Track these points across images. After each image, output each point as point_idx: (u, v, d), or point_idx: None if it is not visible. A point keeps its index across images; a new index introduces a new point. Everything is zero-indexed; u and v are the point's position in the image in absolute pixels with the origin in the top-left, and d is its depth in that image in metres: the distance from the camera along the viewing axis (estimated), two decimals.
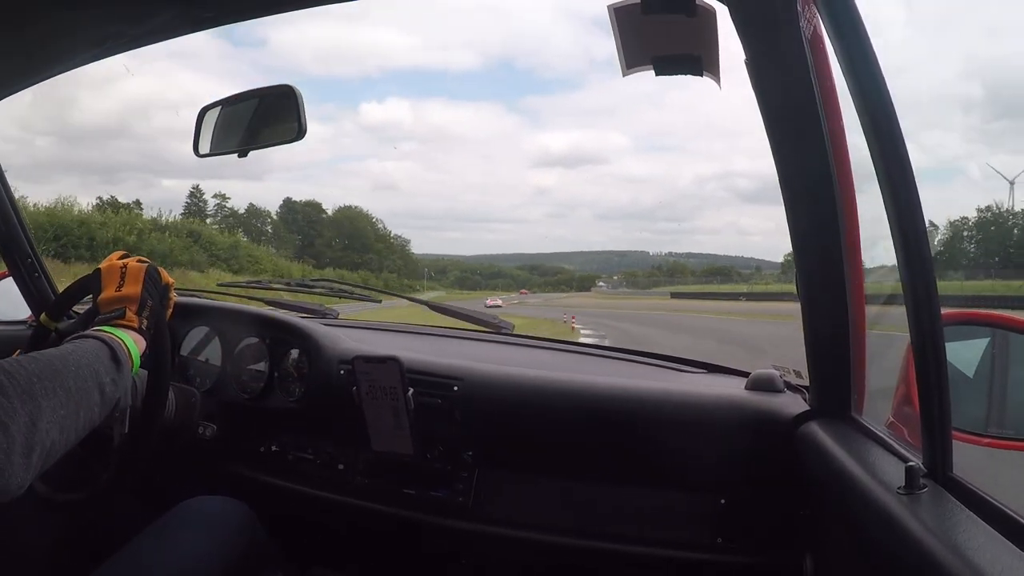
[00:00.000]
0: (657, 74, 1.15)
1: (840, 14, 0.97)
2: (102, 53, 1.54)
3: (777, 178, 1.25)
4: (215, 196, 75.24)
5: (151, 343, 1.47)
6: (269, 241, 77.60)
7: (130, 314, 1.41)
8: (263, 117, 1.72)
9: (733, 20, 1.06)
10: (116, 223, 30.84)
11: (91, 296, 1.53)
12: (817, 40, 1.10)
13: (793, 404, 1.65)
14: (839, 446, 1.33)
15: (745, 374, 1.87)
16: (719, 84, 1.16)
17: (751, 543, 1.66)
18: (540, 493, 1.81)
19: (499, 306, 48.44)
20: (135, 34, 1.46)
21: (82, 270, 2.27)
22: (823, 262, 1.32)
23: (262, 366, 2.11)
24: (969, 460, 1.15)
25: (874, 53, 0.96)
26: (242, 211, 77.97)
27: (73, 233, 27.13)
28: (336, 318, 2.39)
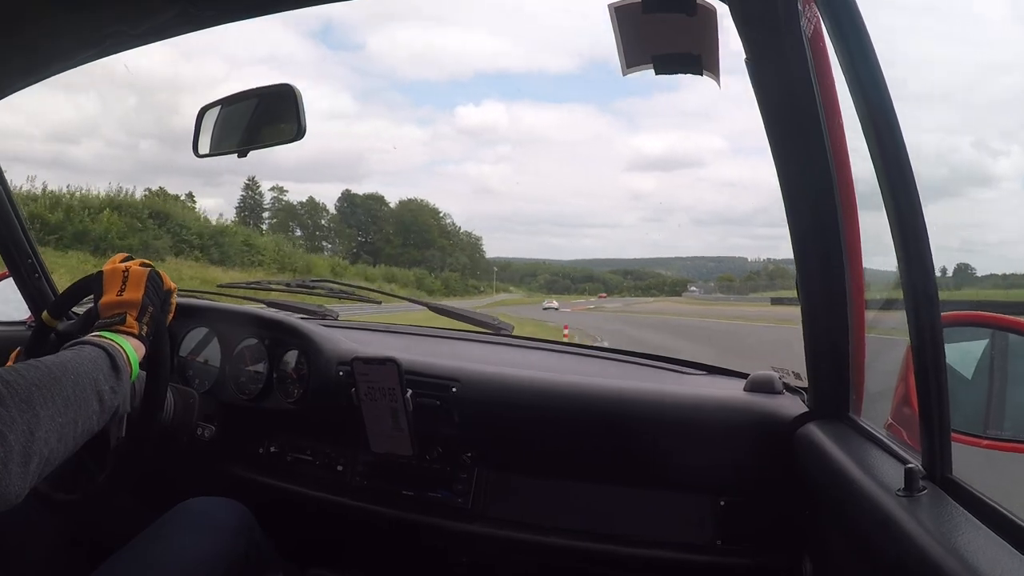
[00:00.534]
0: (657, 73, 1.15)
1: (840, 13, 0.97)
2: (102, 52, 1.54)
3: (777, 179, 1.25)
4: (272, 189, 75.10)
5: (150, 348, 1.46)
6: (325, 237, 76.81)
7: (131, 320, 1.40)
8: (263, 117, 1.72)
9: (733, 19, 1.06)
10: (42, 201, 27.61)
11: (92, 296, 1.53)
12: (817, 39, 1.10)
13: (792, 406, 1.65)
14: (838, 448, 1.32)
15: (744, 375, 1.87)
16: (719, 83, 1.16)
17: (750, 545, 1.65)
18: (539, 494, 1.81)
19: (555, 308, 50.47)
20: (135, 33, 1.47)
21: None
22: (823, 263, 1.32)
23: (261, 367, 2.11)
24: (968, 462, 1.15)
25: (874, 52, 0.96)
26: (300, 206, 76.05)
27: None
28: (335, 319, 2.39)
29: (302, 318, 2.25)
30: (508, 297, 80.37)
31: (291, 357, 2.08)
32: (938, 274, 1.03)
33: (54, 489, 1.57)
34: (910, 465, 1.06)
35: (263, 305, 2.38)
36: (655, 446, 1.71)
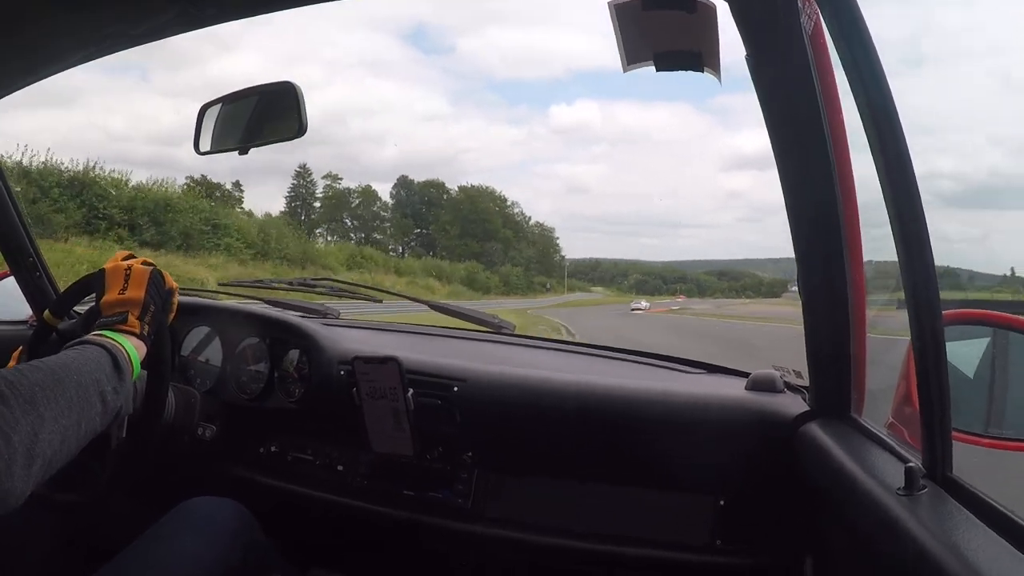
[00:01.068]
0: (658, 70, 1.15)
1: (841, 9, 0.97)
2: (101, 51, 1.54)
3: (777, 176, 1.25)
4: (325, 177, 68.59)
5: (152, 348, 1.46)
6: (377, 228, 69.99)
7: (132, 319, 1.39)
8: (263, 114, 1.72)
9: (733, 15, 1.06)
10: None
11: (94, 295, 1.52)
12: (818, 35, 1.10)
13: (793, 404, 1.65)
14: (839, 446, 1.32)
15: (745, 374, 1.87)
16: (719, 80, 1.16)
17: (751, 544, 1.65)
18: (540, 494, 1.80)
19: (642, 309, 49.51)
20: (135, 33, 1.46)
21: None
22: (823, 261, 1.32)
23: (262, 366, 2.11)
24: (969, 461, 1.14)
25: (875, 48, 0.96)
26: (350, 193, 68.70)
27: None
28: (337, 318, 2.39)
29: (303, 317, 2.25)
30: (582, 297, 74.04)
31: (292, 356, 2.08)
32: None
33: (54, 490, 1.57)
34: (911, 464, 1.06)
35: (264, 304, 2.38)
36: (655, 445, 1.70)
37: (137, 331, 1.39)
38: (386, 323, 2.65)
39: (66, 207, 22.93)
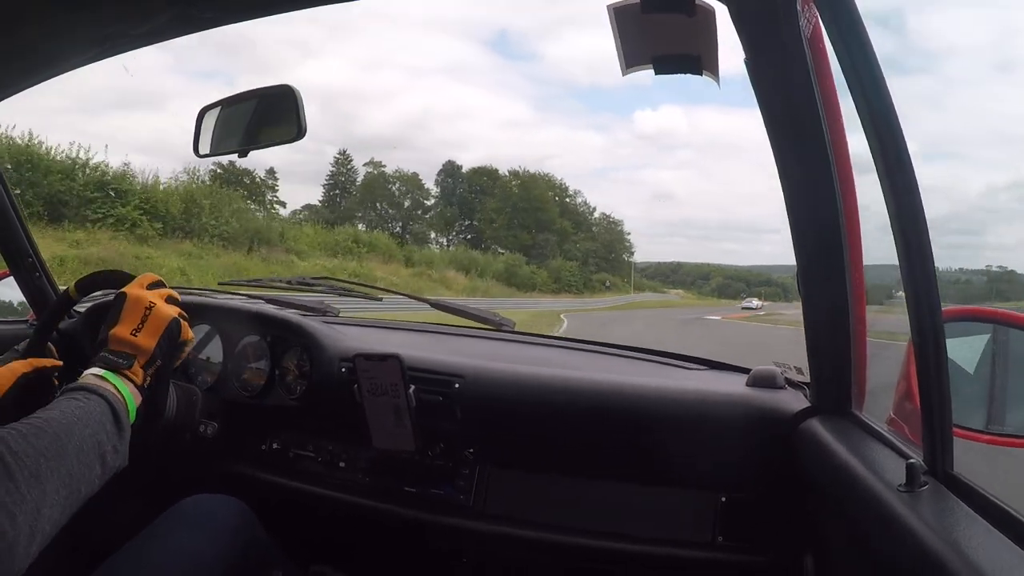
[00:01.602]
0: (656, 73, 1.15)
1: (840, 13, 0.98)
2: (102, 54, 1.54)
3: (778, 177, 1.25)
4: (367, 164, 64.43)
5: (148, 394, 1.39)
6: (419, 218, 64.91)
7: (137, 367, 1.31)
8: (263, 117, 1.72)
9: (732, 19, 1.06)
10: None
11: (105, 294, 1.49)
12: (817, 39, 1.10)
13: (794, 401, 1.66)
14: (840, 443, 1.33)
15: (746, 371, 1.87)
16: (718, 83, 1.17)
17: (752, 541, 1.66)
18: (541, 490, 1.81)
19: (753, 308, 48.23)
20: (135, 34, 1.46)
21: None
22: (823, 260, 1.32)
23: (263, 364, 2.11)
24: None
25: (874, 51, 0.96)
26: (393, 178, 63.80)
27: None
28: (337, 316, 2.39)
29: (304, 315, 2.25)
30: (651, 299, 65.08)
31: (293, 354, 2.08)
32: None
33: None
34: (912, 460, 1.07)
35: (264, 302, 2.38)
36: (657, 442, 1.71)
37: (139, 381, 1.31)
38: (387, 321, 2.65)
39: None
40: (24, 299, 2.38)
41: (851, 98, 1.01)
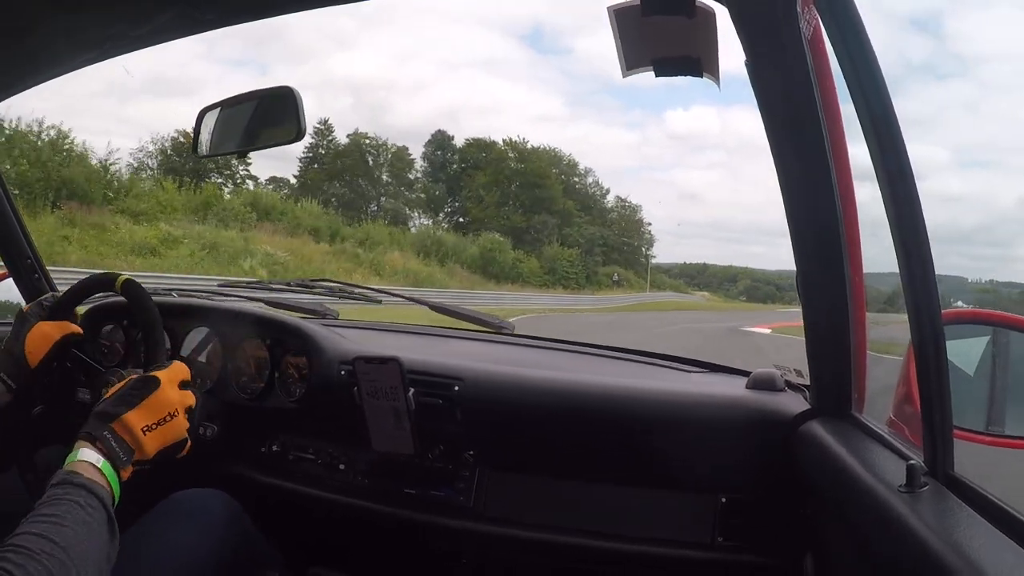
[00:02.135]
0: (657, 75, 1.15)
1: (840, 15, 0.98)
2: (103, 55, 1.54)
3: (777, 179, 1.26)
4: (351, 135, 53.21)
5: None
6: (404, 197, 54.57)
7: (131, 466, 1.27)
8: (262, 118, 1.72)
9: (732, 21, 1.06)
10: None
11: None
12: (817, 41, 1.11)
13: (794, 403, 1.66)
14: (840, 445, 1.33)
15: (746, 373, 1.88)
16: (718, 85, 1.17)
17: (752, 542, 1.66)
18: (541, 492, 1.81)
19: None
20: (136, 36, 1.47)
21: None
22: (823, 262, 1.33)
23: (262, 367, 2.11)
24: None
25: (874, 53, 0.97)
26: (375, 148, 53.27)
27: None
28: (336, 318, 2.39)
29: (303, 317, 2.25)
30: (669, 299, 56.17)
31: (293, 357, 2.08)
32: None
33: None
34: (912, 461, 1.07)
35: (263, 304, 2.38)
36: (657, 444, 1.71)
37: (126, 477, 1.26)
38: (386, 323, 2.65)
39: None
40: (23, 300, 2.38)
41: (851, 100, 1.01)
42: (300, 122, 1.65)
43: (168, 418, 1.33)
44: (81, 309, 2.19)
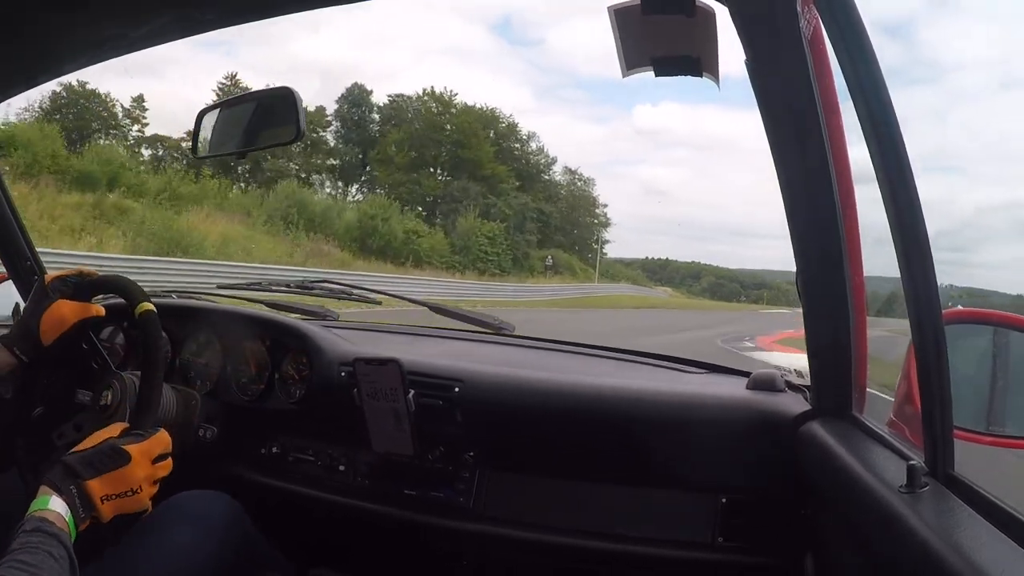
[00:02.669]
0: (657, 75, 1.16)
1: (840, 14, 0.98)
2: (101, 55, 1.54)
3: (777, 179, 1.25)
4: (227, 78, 42.50)
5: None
6: (314, 164, 46.00)
7: (87, 522, 1.28)
8: (261, 119, 1.72)
9: (733, 20, 1.06)
10: None
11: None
12: (817, 40, 1.10)
13: (794, 403, 1.66)
14: (840, 445, 1.33)
15: (746, 374, 1.88)
16: (718, 85, 1.17)
17: (752, 542, 1.66)
18: (541, 493, 1.81)
19: None
20: (134, 37, 1.46)
21: None
22: (823, 263, 1.33)
23: (262, 368, 2.11)
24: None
25: (874, 53, 0.96)
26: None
27: None
28: (336, 320, 2.40)
29: (303, 319, 2.25)
30: (623, 292, 47.83)
31: (293, 358, 2.08)
32: None
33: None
34: (912, 462, 1.07)
35: (263, 306, 2.38)
36: (657, 445, 1.71)
37: (80, 529, 1.26)
38: (386, 324, 2.65)
39: None
40: (23, 302, 2.37)
41: (851, 99, 1.01)
42: (299, 122, 1.66)
43: (130, 493, 1.33)
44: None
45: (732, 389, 1.81)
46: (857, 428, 1.40)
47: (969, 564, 0.83)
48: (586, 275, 50.37)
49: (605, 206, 59.02)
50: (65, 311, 1.62)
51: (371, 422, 1.81)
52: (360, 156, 48.05)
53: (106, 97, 37.14)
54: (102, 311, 1.71)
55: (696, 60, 1.13)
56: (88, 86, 35.30)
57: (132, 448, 1.35)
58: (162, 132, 40.20)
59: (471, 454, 1.86)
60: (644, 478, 1.75)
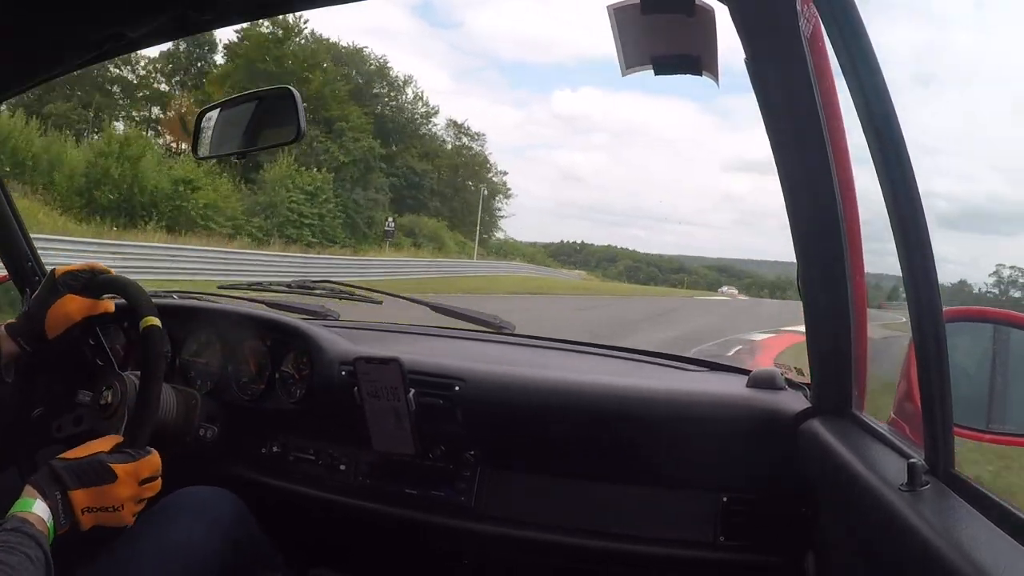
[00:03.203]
0: (656, 74, 1.16)
1: (839, 13, 0.98)
2: (100, 56, 1.54)
3: (779, 178, 1.26)
4: None
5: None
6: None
7: (66, 528, 1.30)
8: (262, 119, 1.73)
9: (733, 19, 1.06)
10: None
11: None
12: (817, 39, 1.11)
13: (794, 402, 1.66)
14: (841, 443, 1.33)
15: (746, 372, 1.88)
16: (717, 84, 1.17)
17: (753, 541, 1.66)
18: (542, 492, 1.81)
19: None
20: (134, 37, 1.46)
21: None
22: (824, 261, 1.33)
23: (263, 368, 2.11)
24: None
25: (874, 52, 0.96)
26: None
27: None
28: (337, 319, 2.40)
29: (303, 319, 2.25)
30: (514, 273, 42.15)
31: (293, 358, 2.08)
32: None
33: None
34: (913, 460, 1.07)
35: (264, 306, 2.38)
36: (657, 443, 1.71)
37: (60, 533, 1.29)
38: (386, 324, 2.65)
39: None
40: (23, 302, 2.37)
41: (851, 100, 1.01)
42: (300, 122, 1.66)
43: (111, 509, 1.36)
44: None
45: (732, 387, 1.82)
46: (857, 426, 1.40)
47: (970, 562, 0.83)
48: (467, 250, 43.96)
49: (505, 173, 51.72)
50: (73, 307, 1.63)
51: (372, 421, 1.81)
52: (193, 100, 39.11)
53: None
54: (111, 307, 1.71)
55: (696, 59, 1.13)
56: None
57: (119, 468, 1.37)
58: None
59: (472, 453, 1.86)
60: (645, 476, 1.75)
